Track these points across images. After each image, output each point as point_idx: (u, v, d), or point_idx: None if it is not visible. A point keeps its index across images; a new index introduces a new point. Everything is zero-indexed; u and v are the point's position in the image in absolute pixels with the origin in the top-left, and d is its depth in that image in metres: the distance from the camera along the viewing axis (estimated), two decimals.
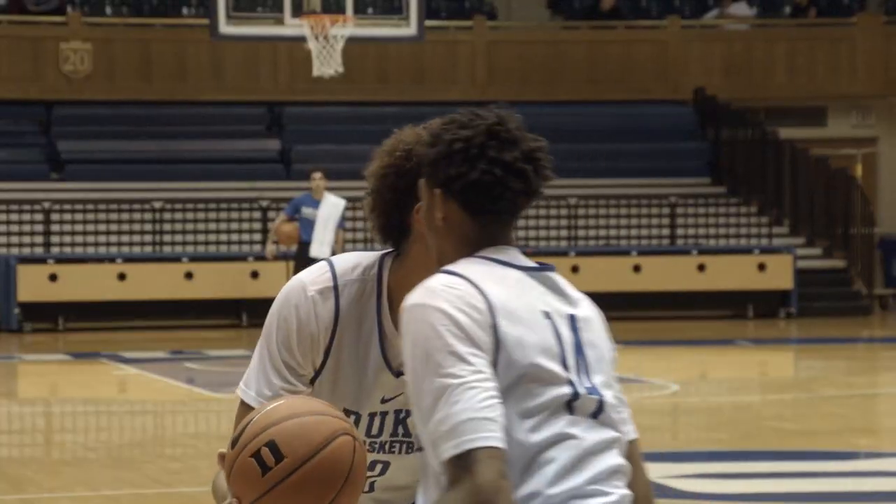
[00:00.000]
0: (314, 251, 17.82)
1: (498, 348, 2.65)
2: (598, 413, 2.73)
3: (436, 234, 2.76)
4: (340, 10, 18.38)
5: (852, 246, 22.84)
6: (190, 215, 21.56)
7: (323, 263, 3.04)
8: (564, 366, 2.70)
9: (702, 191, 23.26)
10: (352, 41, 18.92)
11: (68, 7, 23.54)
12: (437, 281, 2.67)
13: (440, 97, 23.67)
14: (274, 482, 2.68)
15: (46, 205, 21.17)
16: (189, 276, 20.31)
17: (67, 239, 21.09)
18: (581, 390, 2.72)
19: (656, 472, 9.15)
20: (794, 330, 20.49)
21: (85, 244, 21.11)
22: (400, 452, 3.10)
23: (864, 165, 24.94)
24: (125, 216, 21.37)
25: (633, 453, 2.80)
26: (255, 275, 20.32)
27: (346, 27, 18.38)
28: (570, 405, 2.69)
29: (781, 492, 8.57)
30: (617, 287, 20.05)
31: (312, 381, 3.03)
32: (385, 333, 3.02)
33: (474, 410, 2.58)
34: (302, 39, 19.53)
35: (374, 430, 3.07)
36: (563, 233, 21.98)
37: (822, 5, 25.59)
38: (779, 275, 21.26)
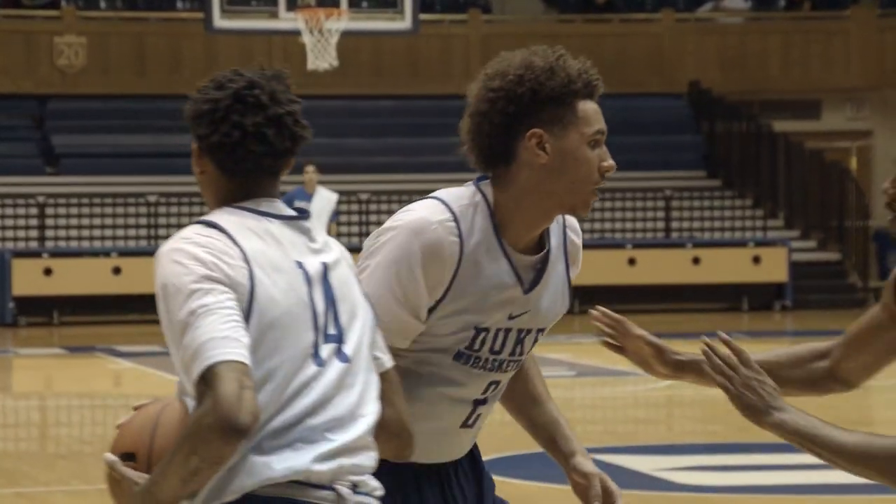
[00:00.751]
0: None
1: (252, 297, 2.74)
2: (343, 357, 2.83)
3: (200, 185, 2.90)
4: (335, 3, 18.38)
5: (847, 239, 22.86)
6: (185, 209, 21.54)
7: (431, 200, 2.99)
8: (314, 312, 2.81)
9: (697, 184, 23.27)
10: (346, 35, 18.91)
11: (62, 1, 23.51)
12: (191, 230, 2.81)
13: (435, 91, 23.67)
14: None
15: (41, 199, 21.15)
16: None
17: (62, 233, 21.07)
18: (329, 335, 2.82)
19: (652, 464, 9.16)
20: (789, 323, 20.50)
21: (79, 238, 21.10)
22: (510, 371, 3.11)
23: (858, 158, 24.96)
24: (120, 210, 21.36)
25: (389, 380, 2.92)
26: None
27: (341, 21, 18.38)
28: (317, 351, 2.80)
29: (776, 484, 8.57)
30: (612, 280, 20.04)
31: (432, 310, 3.00)
32: (508, 252, 3.02)
33: (216, 331, 2.68)
34: (296, 33, 19.53)
35: (497, 346, 3.06)
36: None
37: None
38: (774, 268, 21.27)
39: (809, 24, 24.65)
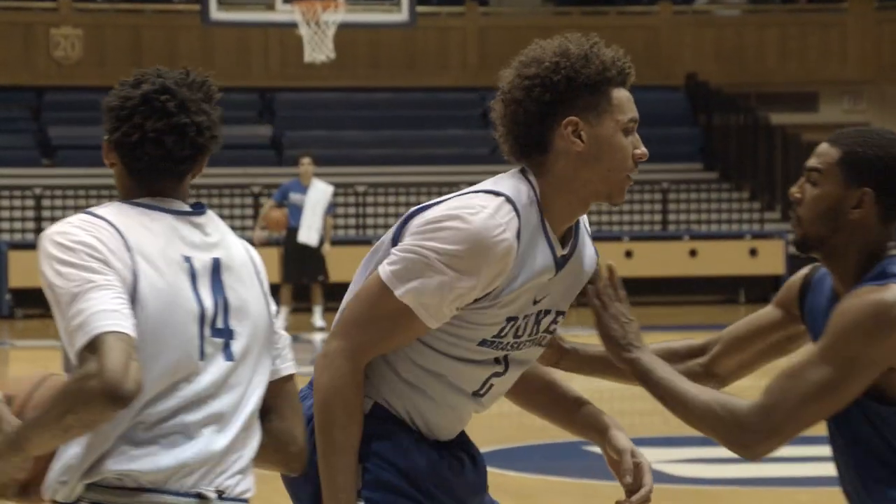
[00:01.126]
0: (302, 237, 17.81)
1: (135, 287, 2.83)
2: (229, 355, 2.90)
3: (114, 177, 2.99)
4: None
5: None
6: None
7: (499, 199, 2.93)
8: (201, 306, 2.87)
9: (694, 176, 23.28)
10: (343, 27, 18.89)
11: None
12: (77, 218, 2.89)
13: (432, 83, 23.66)
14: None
15: (38, 191, 21.14)
16: None
17: None
18: (217, 330, 2.89)
19: (650, 456, 9.13)
20: None
21: None
22: (525, 349, 3.12)
23: None
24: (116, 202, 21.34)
25: (285, 391, 3.01)
26: None
27: (338, 13, 18.36)
28: (201, 346, 2.86)
29: (775, 476, 8.58)
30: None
31: (477, 300, 2.99)
32: (552, 244, 3.03)
33: (104, 304, 2.76)
34: (293, 25, 19.50)
35: (520, 332, 3.07)
36: None
37: None
38: (771, 260, 21.28)
39: (807, 17, 24.65)
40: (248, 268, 3.01)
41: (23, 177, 21.54)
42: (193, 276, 2.90)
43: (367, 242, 20.97)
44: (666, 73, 23.99)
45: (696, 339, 3.41)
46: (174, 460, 2.84)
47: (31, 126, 22.71)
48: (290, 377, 3.03)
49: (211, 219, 3.02)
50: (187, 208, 2.98)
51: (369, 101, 23.67)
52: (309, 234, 17.82)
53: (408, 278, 2.90)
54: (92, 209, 2.94)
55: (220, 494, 2.89)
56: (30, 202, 21.07)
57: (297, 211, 17.82)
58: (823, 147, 3.13)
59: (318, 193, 17.91)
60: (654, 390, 3.06)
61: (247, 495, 2.94)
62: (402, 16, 19.04)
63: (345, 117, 23.34)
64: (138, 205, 2.94)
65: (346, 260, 20.67)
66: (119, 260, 2.85)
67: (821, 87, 24.67)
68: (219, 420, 2.89)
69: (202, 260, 2.93)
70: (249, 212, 21.15)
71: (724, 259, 21.03)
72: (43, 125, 22.61)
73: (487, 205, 2.91)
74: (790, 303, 3.24)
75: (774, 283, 21.38)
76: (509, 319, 3.02)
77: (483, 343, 3.01)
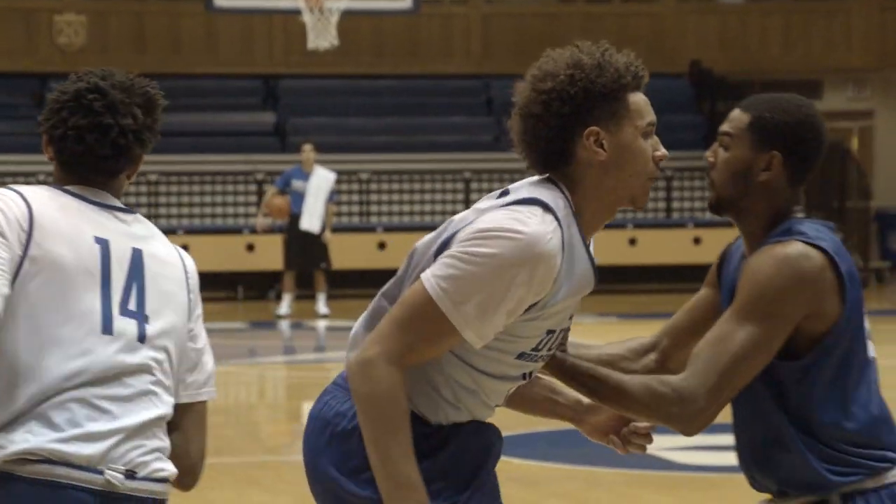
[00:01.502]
0: (304, 224, 17.82)
1: (24, 258, 2.94)
2: (141, 338, 3.00)
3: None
4: None
5: (848, 219, 22.85)
6: (185, 188, 21.54)
7: (543, 211, 2.92)
8: (108, 286, 2.98)
9: (698, 164, 23.26)
10: (347, 14, 18.87)
11: None
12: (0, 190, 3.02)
13: (435, 70, 23.64)
14: None
15: (41, 177, 21.13)
16: (185, 248, 20.21)
17: None
18: (128, 311, 3.00)
19: (654, 443, 9.15)
20: None
21: None
22: (542, 363, 3.13)
23: (860, 139, 24.94)
24: None
25: (195, 411, 3.08)
26: (250, 248, 20.31)
27: (341, 0, 18.34)
28: (107, 322, 2.97)
29: None
30: (612, 260, 20.05)
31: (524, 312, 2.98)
32: (589, 251, 3.04)
33: None
34: (297, 12, 19.48)
35: (551, 345, 3.07)
36: None
37: None
38: None
39: (811, 5, 24.61)
40: (177, 272, 3.12)
41: (26, 164, 21.54)
42: (105, 257, 3.01)
43: (371, 230, 20.98)
44: (670, 60, 23.97)
45: (644, 335, 3.42)
46: (80, 433, 2.91)
47: (34, 113, 22.70)
48: (205, 402, 3.14)
49: (139, 220, 3.13)
50: (115, 203, 3.09)
51: (373, 88, 23.66)
52: (311, 221, 17.83)
53: (457, 291, 2.86)
54: (15, 188, 3.05)
55: (133, 474, 2.95)
56: None
57: (299, 198, 17.83)
58: (735, 112, 3.24)
59: (321, 180, 17.91)
60: (586, 383, 3.09)
61: (162, 474, 2.99)
62: (405, 3, 19.03)
63: (348, 104, 23.33)
64: (67, 191, 3.07)
65: (349, 247, 20.69)
66: (13, 231, 2.96)
67: (825, 75, 24.64)
68: (127, 400, 2.95)
69: (120, 245, 3.04)
70: (253, 199, 21.15)
71: None
72: None
73: (535, 214, 2.91)
74: (713, 279, 3.34)
75: None
76: (549, 332, 3.02)
77: (521, 356, 3.01)
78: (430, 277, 2.89)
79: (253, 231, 19.80)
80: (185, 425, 3.08)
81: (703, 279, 3.45)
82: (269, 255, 19.41)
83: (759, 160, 3.16)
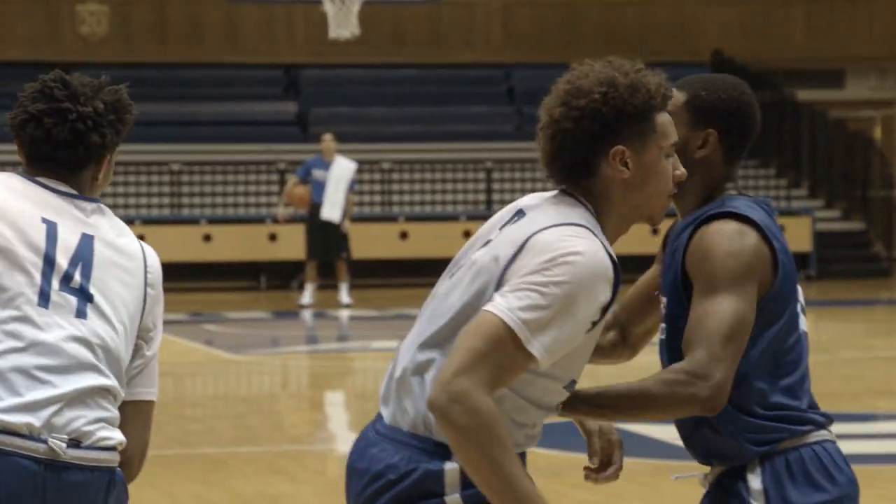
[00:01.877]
0: (325, 213, 17.84)
1: None
2: (82, 314, 3.08)
3: None
4: None
5: (871, 208, 22.79)
6: (208, 178, 21.59)
7: (585, 231, 2.95)
8: (50, 261, 3.07)
9: None
10: (368, 3, 18.90)
11: None
12: None
13: (456, 59, 23.63)
14: None
15: None
16: (207, 238, 20.36)
17: None
18: (71, 288, 3.07)
19: (666, 433, 9.15)
20: (813, 292, 20.46)
21: None
22: None
23: (882, 127, 24.86)
24: (143, 178, 21.41)
25: (140, 410, 3.14)
26: (273, 237, 20.35)
27: None
28: (43, 294, 3.06)
29: None
30: (633, 250, 19.98)
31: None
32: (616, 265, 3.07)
33: None
34: (318, 2, 19.52)
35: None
36: None
37: None
38: (797, 237, 21.22)
39: None
40: (133, 263, 3.16)
41: None
42: (50, 237, 3.08)
43: (393, 219, 20.99)
44: (691, 49, 23.91)
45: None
46: (19, 402, 2.97)
47: None
48: (150, 402, 3.18)
49: (101, 210, 3.18)
50: (73, 192, 3.16)
51: (394, 77, 23.66)
52: (332, 210, 17.85)
53: (534, 320, 2.86)
54: None
55: (78, 443, 3.00)
56: None
57: (319, 187, 17.86)
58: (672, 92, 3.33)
59: (341, 170, 17.93)
60: (605, 404, 3.13)
61: (108, 443, 3.05)
62: None
63: (370, 94, 23.34)
64: (29, 179, 3.17)
65: (370, 237, 20.71)
66: None
67: (848, 64, 24.56)
68: (66, 370, 3.01)
69: (68, 228, 3.11)
70: (275, 188, 21.19)
71: None
72: None
73: (581, 234, 2.94)
74: (660, 255, 3.41)
75: (802, 260, 21.33)
76: (591, 353, 3.08)
77: (569, 384, 3.04)
78: (504, 310, 2.86)
79: (275, 221, 19.83)
80: (127, 419, 3.13)
81: None
82: (292, 244, 19.45)
83: (695, 137, 3.25)
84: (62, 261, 3.08)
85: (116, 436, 3.07)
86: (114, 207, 21.15)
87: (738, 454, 3.21)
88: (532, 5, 24.05)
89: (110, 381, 3.07)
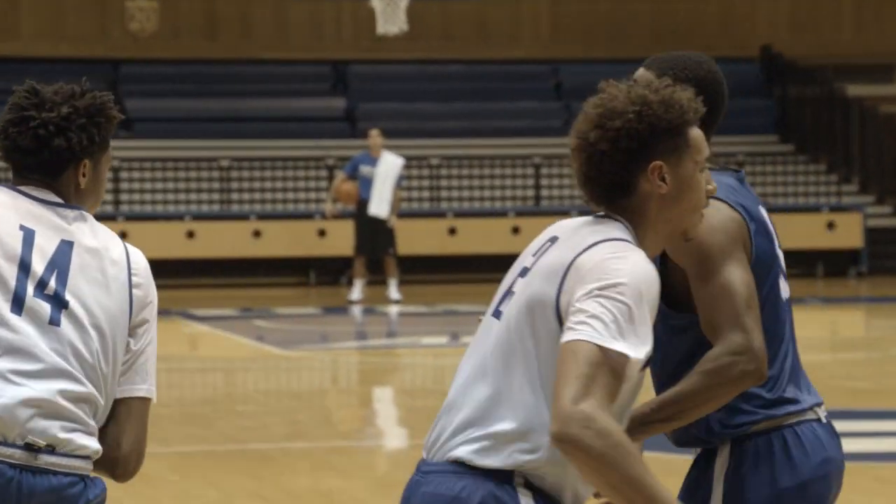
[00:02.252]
0: (373, 209, 17.88)
1: None
2: (55, 321, 3.11)
3: None
4: None
5: None
6: (257, 173, 21.67)
7: (618, 241, 3.00)
8: (24, 270, 3.12)
9: (769, 149, 23.12)
10: None
11: None
12: None
13: (504, 55, 23.62)
14: None
15: (115, 163, 21.33)
16: (257, 234, 20.43)
17: (137, 197, 21.27)
18: (46, 295, 3.11)
19: None
20: (865, 289, 20.34)
21: (153, 202, 21.29)
22: None
23: None
24: (193, 174, 21.51)
25: (133, 407, 3.15)
26: (322, 233, 20.40)
27: None
28: (17, 300, 3.10)
29: (852, 451, 8.51)
30: None
31: None
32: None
33: None
34: None
35: None
36: None
37: None
38: (848, 233, 21.10)
39: None
40: (116, 268, 3.17)
41: None
42: (28, 245, 3.13)
43: (441, 215, 21.01)
44: (740, 44, 23.81)
45: None
46: None
47: None
48: (145, 399, 3.18)
49: (83, 217, 3.20)
50: (56, 200, 3.19)
51: (442, 73, 23.67)
52: (379, 206, 17.88)
53: (617, 331, 2.89)
54: None
55: (51, 449, 3.03)
56: (108, 174, 21.23)
57: (367, 183, 17.90)
58: (640, 72, 3.45)
59: (388, 166, 17.96)
60: (666, 416, 3.21)
61: (83, 452, 3.07)
62: None
63: (418, 90, 23.36)
64: (11, 188, 3.22)
65: (419, 233, 20.73)
66: None
67: None
68: (37, 375, 3.05)
69: (46, 235, 3.15)
70: (324, 184, 21.24)
71: (801, 232, 20.87)
72: (120, 98, 22.80)
73: (624, 245, 2.99)
74: None
75: (853, 256, 21.20)
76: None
77: (627, 407, 3.05)
78: (590, 333, 2.89)
79: (324, 216, 19.89)
80: (119, 418, 3.14)
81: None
82: (341, 240, 19.49)
83: None
84: (38, 267, 3.11)
85: (92, 444, 3.09)
86: (164, 204, 21.28)
87: (707, 437, 3.30)
88: (580, 1, 24.01)
89: (86, 389, 3.08)
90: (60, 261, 3.13)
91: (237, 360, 13.75)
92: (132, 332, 3.17)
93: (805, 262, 20.92)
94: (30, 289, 3.09)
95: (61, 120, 3.18)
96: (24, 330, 3.07)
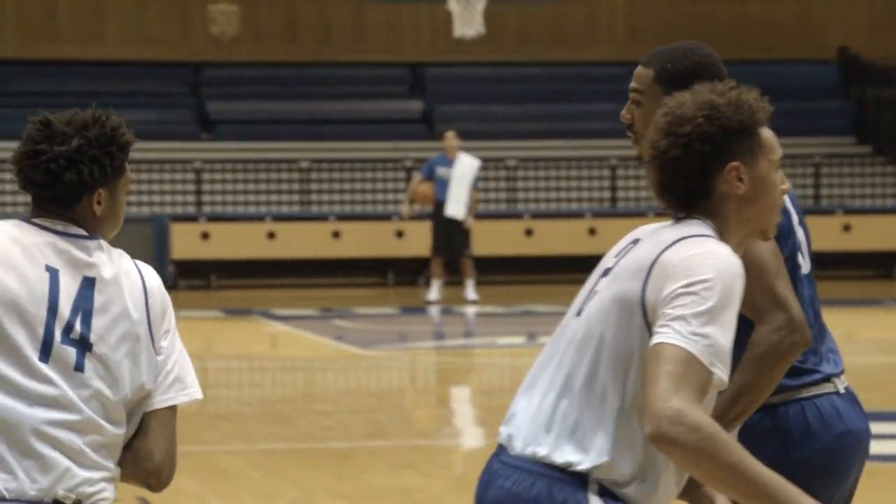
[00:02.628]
0: (450, 210, 18.02)
1: None
2: (80, 367, 3.13)
3: None
4: None
5: None
6: (336, 175, 21.88)
7: (701, 237, 3.04)
8: (53, 314, 3.13)
9: (847, 150, 23.02)
10: (492, 2, 19.03)
11: None
12: None
13: (580, 57, 23.69)
14: None
15: (197, 164, 21.64)
16: (336, 235, 20.64)
17: (218, 198, 21.54)
18: (72, 340, 3.12)
19: None
20: None
21: (234, 203, 21.55)
22: None
23: None
24: (273, 175, 21.75)
25: (161, 416, 3.20)
26: (399, 234, 20.57)
27: None
28: (46, 348, 3.12)
29: None
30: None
31: None
32: None
33: None
34: (443, 1, 19.70)
35: None
36: None
37: None
38: None
39: None
40: (133, 294, 3.20)
41: (183, 151, 22.05)
42: (55, 285, 3.15)
43: (518, 216, 21.13)
44: (817, 46, 23.73)
45: None
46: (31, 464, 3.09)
47: (190, 101, 23.22)
48: (170, 409, 3.22)
49: (101, 247, 3.21)
50: (75, 231, 3.21)
51: (518, 75, 23.77)
52: (457, 207, 18.03)
53: (701, 328, 2.92)
54: None
55: (79, 502, 3.11)
56: (190, 175, 21.58)
57: (443, 185, 18.04)
58: (639, 70, 3.52)
59: (464, 167, 18.09)
60: (733, 417, 3.31)
61: (105, 502, 3.15)
62: None
63: (494, 92, 23.47)
64: (29, 222, 3.23)
65: (496, 234, 20.86)
66: None
67: None
68: (67, 425, 3.11)
69: (70, 274, 3.17)
70: (402, 185, 21.42)
71: (878, 234, 20.79)
72: (201, 100, 23.10)
73: (706, 240, 3.03)
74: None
75: None
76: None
77: (714, 399, 3.09)
78: (680, 338, 2.91)
79: (402, 218, 20.05)
80: (150, 429, 3.19)
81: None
82: (418, 241, 19.66)
83: None
84: (64, 310, 3.14)
85: (111, 493, 3.17)
86: (244, 205, 21.56)
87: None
88: (656, 3, 24.03)
89: (110, 433, 3.15)
90: (84, 302, 3.15)
91: (317, 359, 13.93)
92: (157, 348, 3.21)
93: (882, 264, 20.83)
94: (57, 334, 3.12)
95: (72, 153, 3.17)
96: (48, 381, 3.10)
